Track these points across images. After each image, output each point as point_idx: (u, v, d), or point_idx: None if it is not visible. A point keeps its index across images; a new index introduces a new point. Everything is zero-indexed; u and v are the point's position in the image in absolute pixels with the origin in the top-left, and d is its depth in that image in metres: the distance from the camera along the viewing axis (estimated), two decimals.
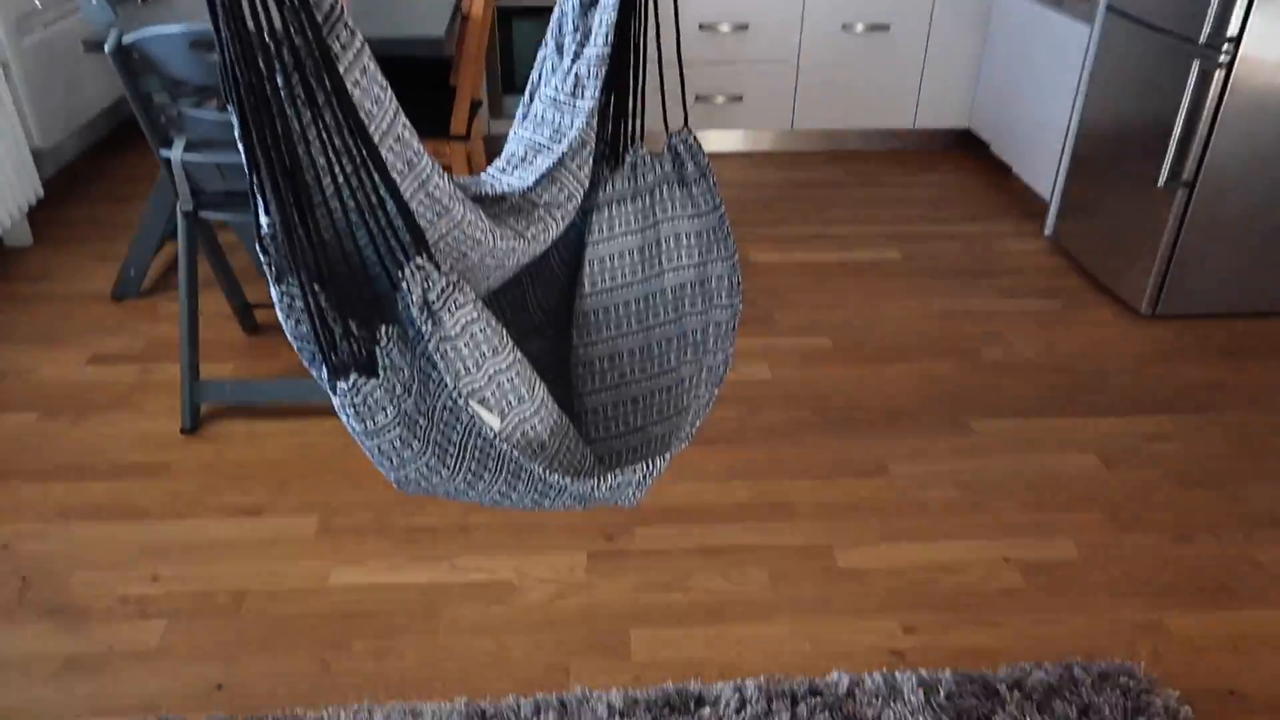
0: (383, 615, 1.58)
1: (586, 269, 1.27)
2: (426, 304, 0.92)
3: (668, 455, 1.10)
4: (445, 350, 0.95)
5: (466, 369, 0.96)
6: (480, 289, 1.11)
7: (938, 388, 2.21)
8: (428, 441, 0.98)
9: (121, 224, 3.01)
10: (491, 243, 1.04)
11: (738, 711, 1.38)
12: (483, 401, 0.98)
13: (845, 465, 1.94)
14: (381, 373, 0.94)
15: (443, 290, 0.93)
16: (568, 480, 1.03)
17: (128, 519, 1.79)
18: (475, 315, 0.95)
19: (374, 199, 0.92)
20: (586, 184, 1.16)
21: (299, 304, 0.92)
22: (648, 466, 1.06)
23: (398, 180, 0.94)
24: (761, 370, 2.26)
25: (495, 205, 1.11)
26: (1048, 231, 2.93)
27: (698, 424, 1.13)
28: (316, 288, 0.92)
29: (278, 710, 1.40)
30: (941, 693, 1.42)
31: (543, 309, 1.38)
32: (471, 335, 0.95)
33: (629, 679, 1.47)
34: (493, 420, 0.98)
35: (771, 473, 1.92)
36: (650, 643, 1.54)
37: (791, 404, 2.13)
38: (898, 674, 1.46)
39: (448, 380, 0.95)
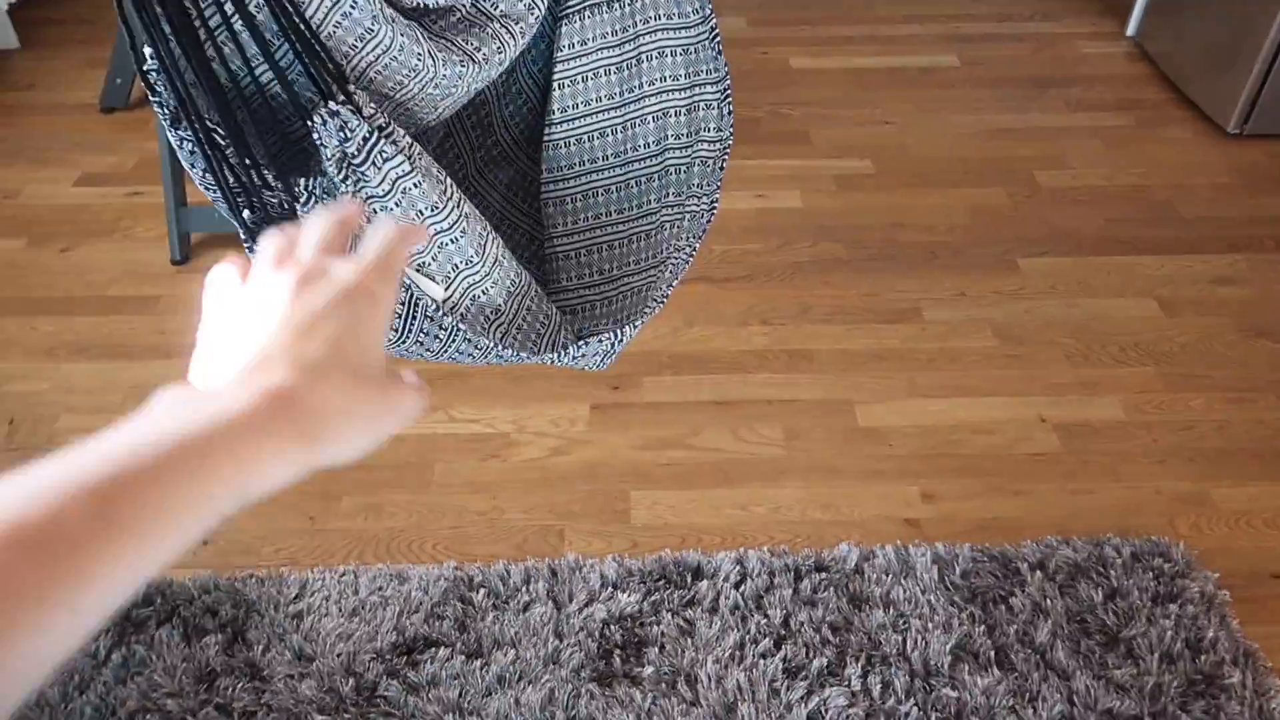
0: (374, 469, 1.51)
1: (556, 91, 1.09)
2: (345, 157, 0.77)
3: (638, 323, 0.96)
4: (372, 211, 0.80)
5: (402, 212, 0.82)
6: (424, 120, 0.94)
7: (985, 219, 2.00)
8: None
9: (113, 22, 2.78)
10: (432, 70, 0.86)
11: (736, 586, 1.31)
12: (421, 269, 0.85)
13: (875, 308, 1.78)
14: None
15: (365, 140, 0.77)
16: (524, 355, 0.90)
17: (117, 358, 1.72)
18: (408, 168, 0.79)
19: (276, 25, 0.75)
20: None
21: (199, 151, 0.78)
22: (615, 336, 0.93)
23: (304, 1, 0.76)
24: (791, 197, 2.06)
25: (440, 19, 0.92)
26: (1130, 32, 2.58)
27: (675, 282, 0.99)
28: (218, 135, 0.76)
29: (263, 569, 1.37)
30: (957, 570, 1.33)
31: (510, 132, 1.21)
32: (404, 192, 0.80)
33: (626, 545, 1.40)
34: (434, 290, 0.85)
35: (794, 316, 1.77)
36: (651, 505, 1.46)
37: (822, 236, 1.95)
38: (911, 547, 1.37)
39: None
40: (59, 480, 0.29)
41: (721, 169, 1.02)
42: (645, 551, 1.39)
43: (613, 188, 1.09)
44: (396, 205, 0.80)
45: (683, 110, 1.04)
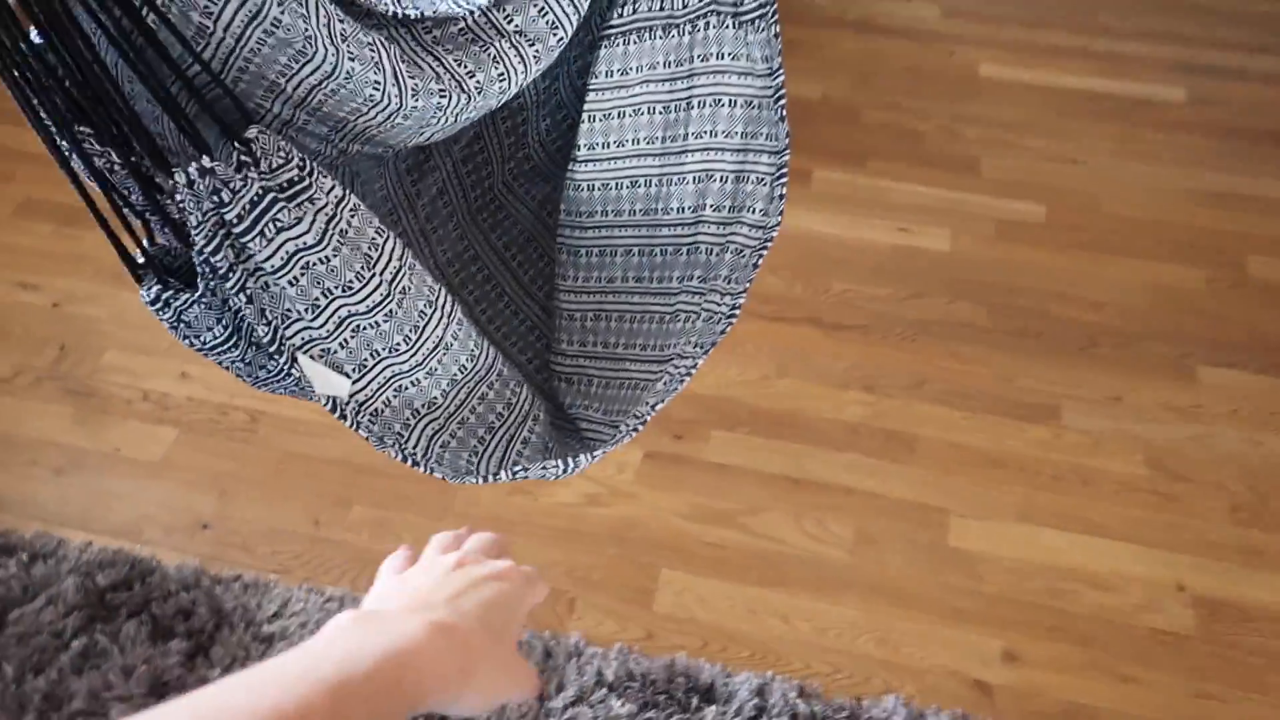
0: (392, 479, 1.38)
1: (586, 124, 0.88)
2: (223, 225, 0.59)
3: (600, 451, 0.76)
4: (257, 288, 0.63)
5: (294, 313, 0.64)
6: (407, 143, 0.75)
7: (1171, 306, 1.65)
8: (283, 373, 0.69)
9: None
10: (398, 101, 0.67)
11: None
12: (325, 355, 0.67)
13: (1006, 397, 1.50)
14: (201, 283, 0.64)
15: (253, 203, 0.59)
16: (447, 473, 0.72)
17: None
18: (314, 240, 0.61)
19: (138, 42, 0.57)
20: (585, 6, 0.75)
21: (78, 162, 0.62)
22: (568, 465, 0.73)
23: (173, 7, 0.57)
24: (940, 237, 1.76)
25: (436, 29, 0.72)
26: None
27: (663, 402, 0.78)
28: (90, 143, 0.60)
29: (253, 570, 1.27)
30: None
31: (546, 148, 1.01)
32: (306, 268, 0.62)
33: (639, 634, 1.22)
34: (337, 383, 0.67)
35: (904, 388, 1.51)
36: (680, 591, 1.27)
37: (964, 293, 1.66)
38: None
39: (258, 330, 0.64)
40: (300, 679, 0.35)
41: (756, 265, 0.80)
42: (659, 648, 1.21)
43: (634, 250, 0.88)
44: (293, 284, 0.62)
45: (730, 177, 0.81)
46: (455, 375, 0.74)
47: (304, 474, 1.38)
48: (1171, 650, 1.22)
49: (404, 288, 0.67)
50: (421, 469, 0.71)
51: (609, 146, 0.87)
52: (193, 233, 0.59)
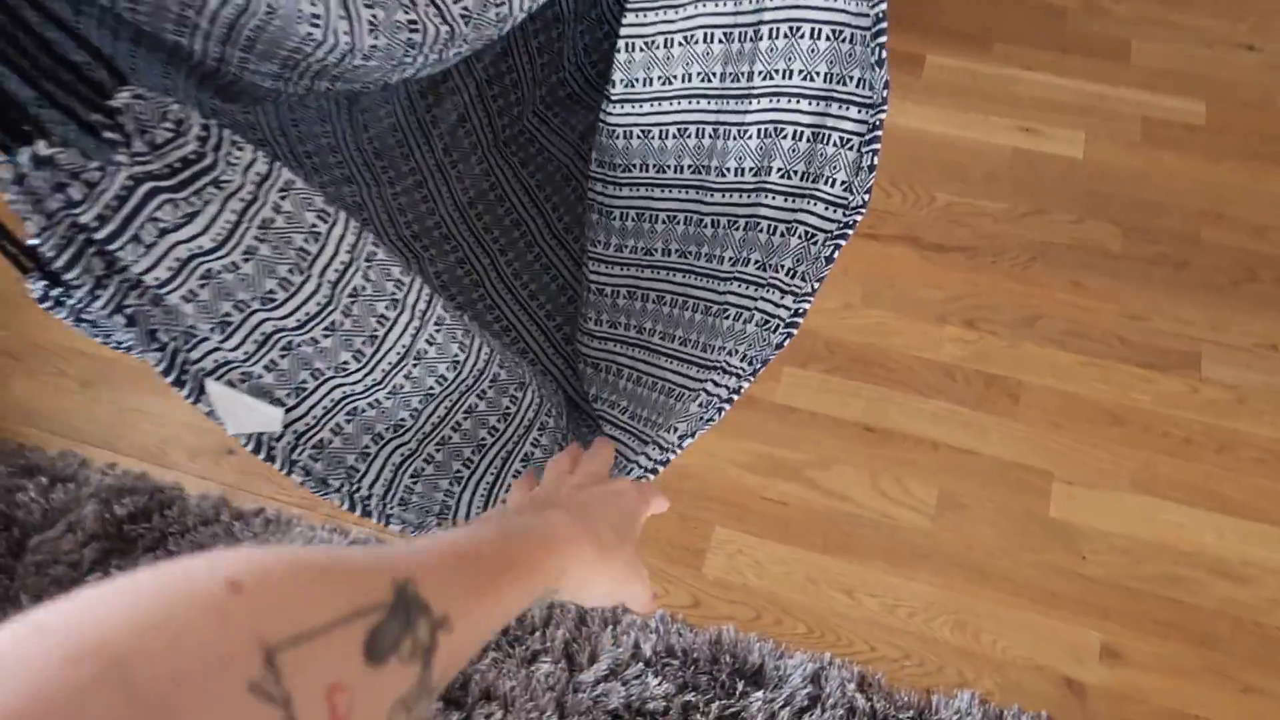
0: None
1: (622, 54, 0.69)
2: (81, 230, 0.45)
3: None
4: (140, 306, 0.49)
5: (198, 333, 0.50)
6: (384, 81, 0.59)
7: None
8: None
9: None
10: (348, 40, 0.51)
11: (795, 718, 0.99)
12: (249, 381, 0.53)
13: (1135, 340, 1.28)
14: (79, 274, 0.51)
15: (120, 199, 0.44)
16: (409, 511, 0.59)
17: None
18: (216, 241, 0.46)
19: None
20: None
21: None
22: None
23: None
24: (1072, 141, 1.50)
25: None
26: None
27: (694, 434, 0.64)
28: None
29: (275, 503, 1.19)
30: None
31: (585, 71, 0.82)
32: (208, 278, 0.48)
33: (686, 601, 1.10)
34: (265, 415, 0.54)
35: (1013, 325, 1.30)
36: (734, 553, 1.14)
37: (1096, 210, 1.41)
38: None
39: (148, 358, 0.50)
40: (487, 530, 0.40)
41: (830, 260, 0.61)
42: (705, 618, 1.09)
43: (679, 217, 0.70)
44: (189, 299, 0.47)
45: (804, 133, 0.61)
46: (431, 389, 0.59)
47: None
48: None
49: (355, 289, 0.52)
50: (375, 518, 0.58)
51: (651, 84, 0.68)
52: (37, 242, 0.45)
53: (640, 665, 1.03)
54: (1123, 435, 1.20)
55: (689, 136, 0.67)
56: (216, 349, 0.51)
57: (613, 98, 0.70)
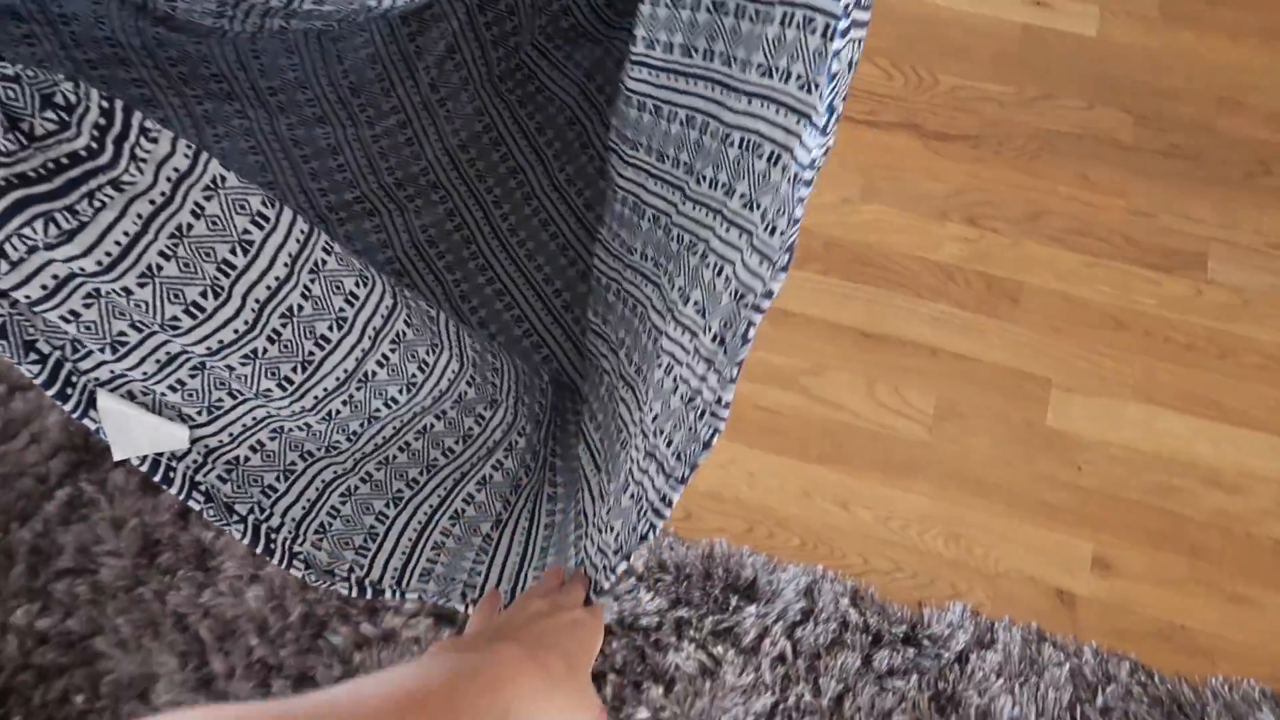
0: None
1: (645, 8, 0.58)
2: None
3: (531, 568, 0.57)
4: (10, 314, 0.42)
5: (85, 347, 0.44)
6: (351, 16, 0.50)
7: None
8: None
9: None
10: None
11: (791, 630, 0.99)
12: (149, 397, 0.47)
13: (1140, 238, 1.23)
14: None
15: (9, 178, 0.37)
16: (325, 546, 0.54)
17: None
18: (102, 265, 0.39)
19: None
20: None
21: None
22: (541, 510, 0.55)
23: None
24: (1085, 17, 1.40)
25: None
26: None
27: (629, 540, 0.56)
28: None
29: None
30: (1101, 696, 0.96)
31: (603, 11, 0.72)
32: (94, 298, 0.42)
33: (677, 515, 1.08)
34: (166, 433, 0.47)
35: (1016, 221, 1.24)
36: (727, 463, 1.11)
37: (1107, 95, 1.33)
38: (1049, 641, 0.99)
39: (24, 369, 0.44)
40: (402, 690, 0.39)
41: (746, 339, 0.50)
42: (697, 530, 1.07)
43: (660, 220, 0.61)
44: (70, 320, 0.40)
45: (777, 154, 0.51)
46: (377, 411, 0.52)
47: None
48: None
49: (289, 309, 0.45)
50: (276, 558, 0.52)
51: (673, 51, 0.57)
52: None
53: (632, 580, 1.02)
54: (1124, 340, 1.17)
55: (693, 128, 0.58)
56: (106, 363, 0.45)
57: (633, 56, 0.60)
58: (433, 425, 0.57)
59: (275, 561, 0.54)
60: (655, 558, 1.03)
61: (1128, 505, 1.08)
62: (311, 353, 0.47)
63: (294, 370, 0.47)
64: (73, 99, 0.35)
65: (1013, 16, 1.40)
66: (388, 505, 0.58)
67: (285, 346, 0.46)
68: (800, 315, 1.19)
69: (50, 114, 0.35)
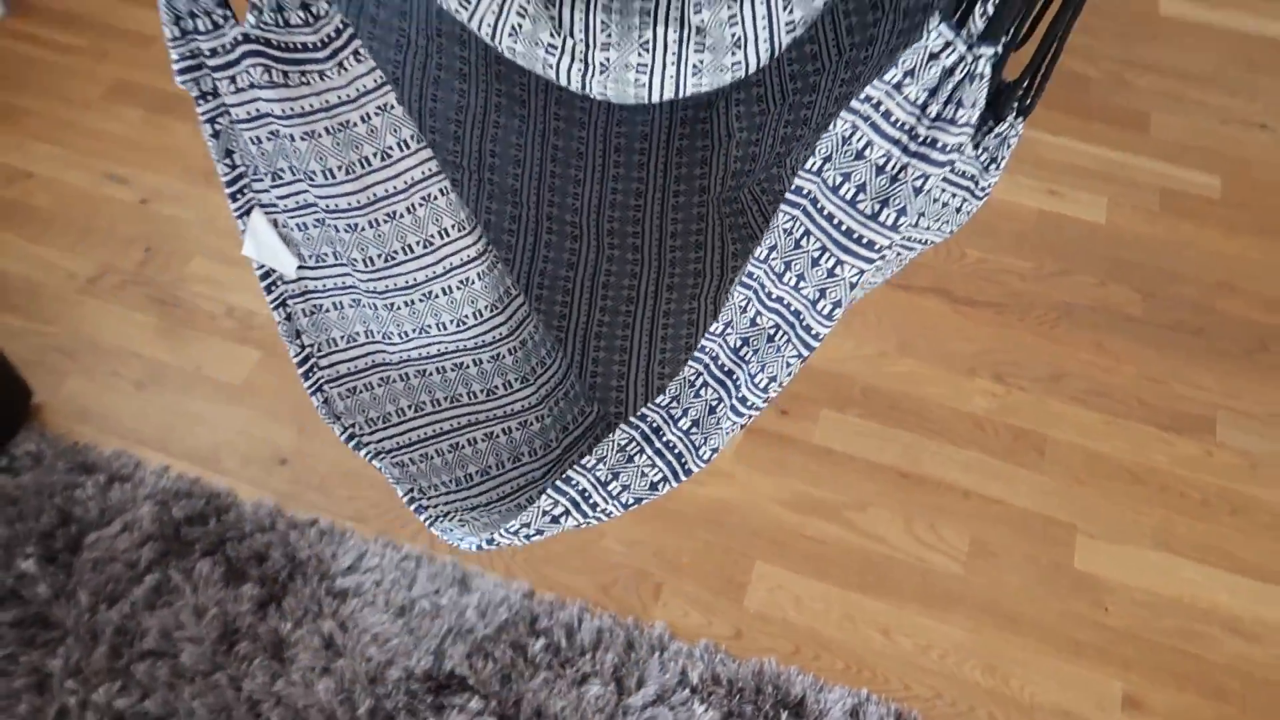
0: None
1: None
2: (198, 53, 0.54)
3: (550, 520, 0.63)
4: (225, 126, 0.58)
5: (257, 170, 0.58)
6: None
7: None
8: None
9: None
10: None
11: None
12: (279, 229, 0.61)
13: (1153, 402, 1.34)
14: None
15: (231, 44, 0.52)
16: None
17: None
18: (286, 113, 0.54)
19: None
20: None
21: None
22: (485, 537, 0.62)
23: None
24: (1094, 205, 1.57)
25: None
26: None
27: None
28: None
29: (329, 515, 1.22)
30: None
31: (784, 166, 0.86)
32: (274, 136, 0.56)
33: (728, 632, 1.14)
34: (282, 259, 0.61)
35: (1039, 380, 1.36)
36: (774, 588, 1.18)
37: (1117, 274, 1.48)
38: None
39: (219, 167, 0.59)
40: None
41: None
42: (747, 649, 1.13)
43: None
44: (256, 144, 0.56)
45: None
46: (427, 325, 0.63)
47: None
48: None
49: (393, 212, 0.58)
50: (309, 387, 0.63)
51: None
52: (169, 47, 0.53)
53: (687, 692, 1.07)
54: (1142, 493, 1.26)
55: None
56: (265, 190, 0.58)
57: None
58: (467, 365, 0.67)
59: (305, 386, 0.65)
60: (709, 671, 1.09)
61: (1153, 646, 1.14)
62: (395, 251, 0.59)
63: (377, 256, 0.59)
64: (321, 11, 0.51)
65: (1029, 202, 1.57)
66: (409, 406, 0.67)
67: (378, 235, 0.59)
68: (844, 454, 1.29)
69: (302, 13, 0.50)
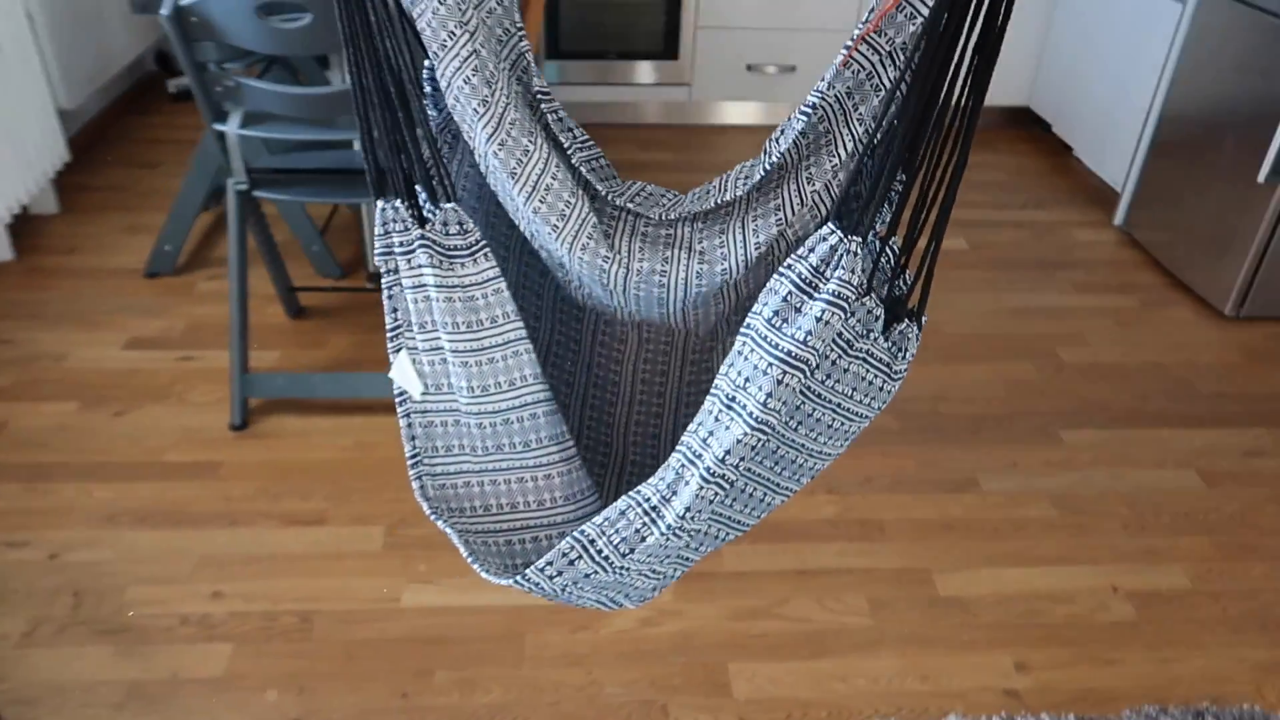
0: (463, 642, 1.48)
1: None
2: (391, 241, 0.85)
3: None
4: (396, 287, 0.87)
5: (407, 321, 0.88)
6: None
7: (1021, 392, 2.10)
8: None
9: (148, 191, 2.86)
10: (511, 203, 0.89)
11: None
12: (415, 365, 0.90)
13: (933, 478, 1.84)
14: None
15: (411, 242, 0.84)
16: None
17: (181, 526, 1.68)
18: (435, 282, 0.84)
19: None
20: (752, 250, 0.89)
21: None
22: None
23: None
24: None
25: (654, 209, 0.96)
26: (1118, 221, 2.81)
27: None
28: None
29: None
30: None
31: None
32: (426, 300, 0.86)
33: (734, 719, 1.38)
34: (411, 383, 0.90)
35: (858, 485, 1.82)
36: (752, 678, 1.45)
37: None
38: (1018, 719, 1.37)
39: (388, 319, 0.88)
40: None
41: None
42: None
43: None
44: (414, 302, 0.85)
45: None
46: (488, 433, 0.93)
47: (375, 656, 1.45)
48: (1128, 634, 1.54)
49: (483, 360, 0.88)
50: (414, 478, 0.91)
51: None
52: (377, 238, 0.84)
53: None
54: (957, 535, 1.72)
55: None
56: (410, 335, 0.87)
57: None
58: (525, 480, 0.92)
59: (410, 473, 0.89)
60: None
61: (1016, 628, 1.54)
62: (489, 385, 0.87)
63: (478, 387, 0.86)
64: (468, 229, 0.81)
65: None
66: (480, 507, 0.93)
67: (480, 372, 0.86)
68: (753, 572, 1.62)
69: (457, 231, 0.81)
